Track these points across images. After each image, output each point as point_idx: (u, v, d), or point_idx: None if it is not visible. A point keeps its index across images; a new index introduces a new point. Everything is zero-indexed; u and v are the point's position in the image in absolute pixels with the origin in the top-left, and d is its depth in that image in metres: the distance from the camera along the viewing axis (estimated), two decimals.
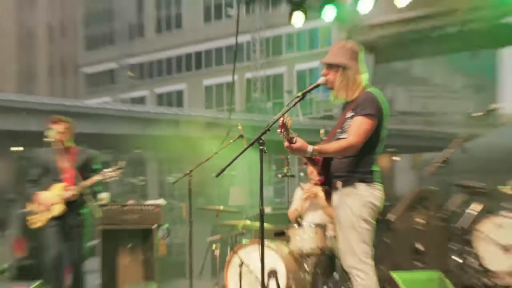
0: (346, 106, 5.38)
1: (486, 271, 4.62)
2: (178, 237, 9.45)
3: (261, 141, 5.10)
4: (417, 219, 8.83)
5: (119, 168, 7.51)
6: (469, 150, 7.33)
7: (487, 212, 10.11)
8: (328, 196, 5.51)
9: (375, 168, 5.27)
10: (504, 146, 13.20)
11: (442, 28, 13.20)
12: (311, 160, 5.44)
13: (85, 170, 7.63)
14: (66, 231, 7.62)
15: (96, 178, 7.49)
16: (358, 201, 5.18)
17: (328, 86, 5.33)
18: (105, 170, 7.53)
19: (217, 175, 5.50)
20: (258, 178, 5.11)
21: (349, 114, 5.24)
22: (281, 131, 4.86)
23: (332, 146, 5.14)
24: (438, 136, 34.10)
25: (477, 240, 9.60)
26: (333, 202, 5.41)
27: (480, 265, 9.44)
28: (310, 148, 4.97)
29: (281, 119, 4.84)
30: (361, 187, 5.19)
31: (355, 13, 12.48)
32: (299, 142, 4.95)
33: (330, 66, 5.28)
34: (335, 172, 5.32)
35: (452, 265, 9.62)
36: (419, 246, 8.70)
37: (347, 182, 5.22)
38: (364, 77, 5.30)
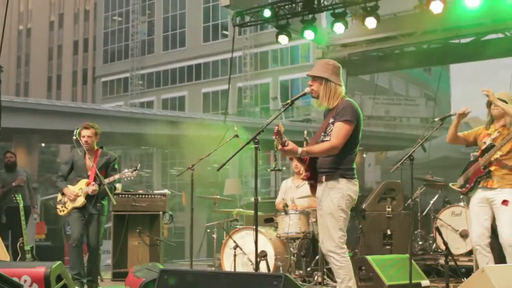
0: (327, 113, 5.36)
1: (446, 254, 4.39)
2: (178, 222, 9.23)
3: (256, 140, 5.35)
4: (386, 208, 8.63)
5: (135, 170, 7.50)
6: (428, 149, 7.10)
7: (445, 202, 9.93)
8: (312, 189, 5.42)
9: (354, 165, 5.27)
10: (456, 146, 12.92)
11: (401, 47, 13.27)
12: (300, 159, 5.33)
13: (106, 169, 7.65)
14: (87, 219, 7.58)
15: (116, 176, 7.51)
16: (339, 193, 5.13)
17: (313, 95, 5.33)
18: (125, 170, 7.55)
19: (218, 169, 5.72)
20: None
21: (331, 120, 5.22)
22: (276, 138, 4.92)
23: (317, 147, 5.18)
24: (398, 137, 34.20)
25: (435, 228, 9.43)
26: (317, 193, 5.32)
27: (440, 248, 9.28)
28: (299, 150, 5.05)
29: (276, 127, 4.91)
30: (342, 182, 5.16)
31: (330, 36, 13.10)
32: (291, 145, 5.02)
33: (315, 78, 5.29)
34: (321, 168, 5.26)
35: (416, 248, 9.43)
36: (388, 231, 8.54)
37: (331, 177, 5.17)
38: (342, 89, 5.33)
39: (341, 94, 5.27)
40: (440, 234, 4.74)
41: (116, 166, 7.76)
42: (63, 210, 7.70)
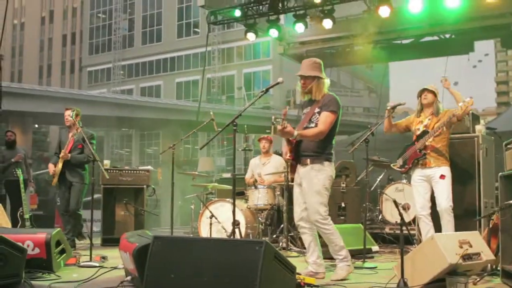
0: (310, 103, 5.38)
1: (401, 224, 4.44)
2: (156, 195, 9.13)
3: (234, 123, 5.29)
4: (341, 184, 8.62)
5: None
6: (375, 134, 7.17)
7: (390, 180, 9.99)
8: (292, 168, 5.45)
9: (332, 150, 5.32)
10: None
11: (352, 46, 13.27)
12: (288, 141, 5.34)
13: (83, 142, 7.67)
14: (67, 185, 7.92)
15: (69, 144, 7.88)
16: (324, 174, 5.19)
17: (304, 90, 5.36)
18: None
19: (201, 148, 5.62)
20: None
21: (317, 110, 5.25)
22: (283, 118, 4.98)
23: (309, 132, 5.18)
24: (345, 123, 34.29)
25: (384, 200, 9.49)
26: (300, 173, 5.32)
27: (386, 219, 9.36)
28: (295, 132, 5.08)
29: (284, 110, 5.10)
30: (326, 164, 5.22)
31: (290, 34, 13.10)
32: (289, 127, 5.02)
33: (306, 77, 5.29)
34: (305, 151, 5.28)
35: (366, 219, 9.46)
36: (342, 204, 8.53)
37: (316, 160, 5.21)
38: (327, 82, 5.36)
39: (326, 88, 5.31)
40: (397, 206, 4.73)
41: (93, 141, 7.71)
42: (54, 181, 7.98)
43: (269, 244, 3.34)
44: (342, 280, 5.05)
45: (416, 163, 6.12)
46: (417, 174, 6.15)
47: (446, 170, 5.99)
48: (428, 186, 6.08)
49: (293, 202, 5.47)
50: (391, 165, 6.69)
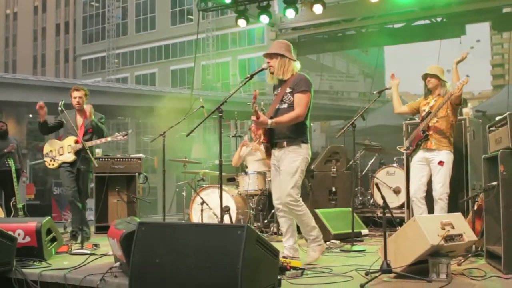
0: (280, 84, 5.32)
1: (384, 207, 4.49)
2: (151, 182, 9.15)
3: (220, 109, 5.23)
4: (331, 169, 8.68)
5: (126, 135, 7.18)
6: (366, 118, 7.20)
7: (381, 163, 10.05)
8: (267, 151, 5.42)
9: (308, 131, 5.27)
10: (389, 116, 13.06)
11: (344, 31, 13.26)
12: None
13: (92, 127, 7.32)
14: (77, 174, 7.23)
15: (108, 138, 7.13)
16: (300, 156, 5.16)
17: (271, 70, 5.29)
18: (116, 134, 7.20)
19: (187, 135, 5.71)
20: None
21: (288, 90, 5.18)
22: (253, 101, 4.91)
23: (284, 118, 5.10)
24: (340, 108, 34.37)
25: (374, 184, 9.53)
26: (277, 155, 5.28)
27: (377, 203, 9.43)
28: (269, 121, 5.06)
29: (254, 92, 4.94)
30: (303, 146, 5.17)
31: (282, 20, 12.96)
32: (262, 117, 5.03)
33: (272, 56, 5.27)
34: (280, 134, 5.23)
35: (356, 203, 9.54)
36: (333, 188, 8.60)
37: (292, 142, 5.17)
38: (296, 64, 5.30)
39: (295, 68, 5.26)
40: (379, 189, 4.79)
41: (102, 126, 7.38)
42: (52, 164, 7.36)
43: (251, 228, 3.40)
44: (315, 260, 5.23)
45: (420, 144, 6.15)
46: (418, 155, 6.17)
47: (446, 154, 6.00)
48: (426, 169, 6.09)
49: (271, 185, 5.43)
50: (397, 147, 6.68)
